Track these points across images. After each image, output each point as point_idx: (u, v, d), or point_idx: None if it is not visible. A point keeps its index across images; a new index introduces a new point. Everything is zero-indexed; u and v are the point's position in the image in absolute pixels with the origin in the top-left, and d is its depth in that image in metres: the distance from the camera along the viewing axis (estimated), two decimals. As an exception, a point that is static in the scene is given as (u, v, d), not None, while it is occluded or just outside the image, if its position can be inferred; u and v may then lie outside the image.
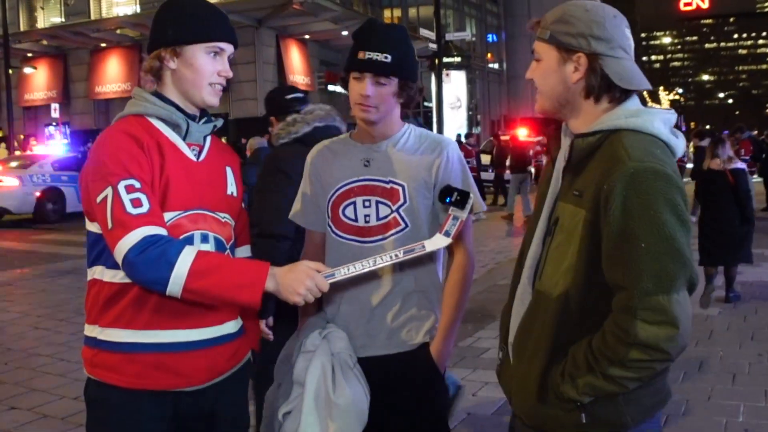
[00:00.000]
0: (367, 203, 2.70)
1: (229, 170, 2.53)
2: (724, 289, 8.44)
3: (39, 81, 37.10)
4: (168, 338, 2.32)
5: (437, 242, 2.45)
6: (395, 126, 2.75)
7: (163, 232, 2.20)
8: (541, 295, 2.09)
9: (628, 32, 2.08)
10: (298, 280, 2.22)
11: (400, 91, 2.65)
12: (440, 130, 27.08)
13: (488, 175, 23.07)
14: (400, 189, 2.68)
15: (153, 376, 2.32)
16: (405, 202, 2.68)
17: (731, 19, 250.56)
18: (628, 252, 1.88)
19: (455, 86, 33.92)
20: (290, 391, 2.68)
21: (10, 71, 30.18)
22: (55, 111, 32.38)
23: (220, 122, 2.53)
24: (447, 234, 2.44)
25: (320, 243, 2.85)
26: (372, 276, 2.65)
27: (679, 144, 2.05)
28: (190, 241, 2.32)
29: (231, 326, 2.48)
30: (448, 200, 2.46)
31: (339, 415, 2.56)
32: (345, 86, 2.72)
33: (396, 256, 2.41)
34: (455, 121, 31.82)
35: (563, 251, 2.03)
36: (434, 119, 32.42)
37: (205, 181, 2.42)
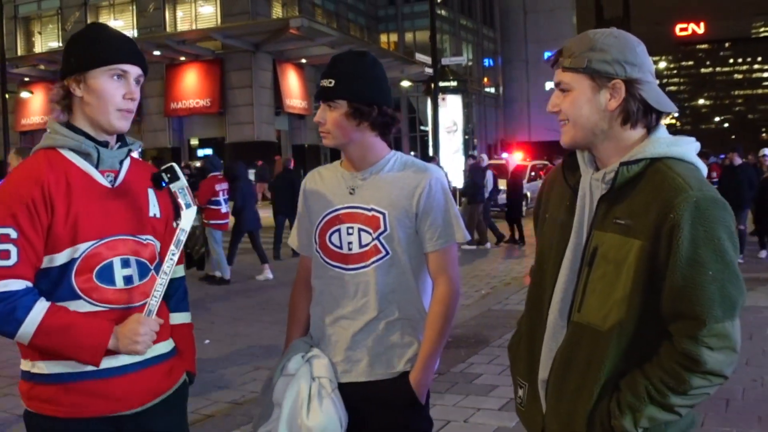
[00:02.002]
0: (350, 230, 2.71)
1: (151, 192, 2.54)
2: None
3: (36, 105, 37.25)
4: (101, 364, 2.34)
5: (188, 217, 2.45)
6: (378, 154, 2.77)
7: (20, 287, 2.25)
8: (584, 328, 2.05)
9: (650, 58, 2.10)
10: (133, 331, 2.32)
11: (353, 113, 2.66)
12: (436, 154, 27.10)
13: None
14: (381, 217, 2.69)
15: (90, 404, 2.35)
16: (385, 230, 2.69)
17: (726, 44, 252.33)
18: (696, 281, 1.89)
19: (451, 110, 33.97)
20: (270, 413, 2.71)
21: (7, 96, 30.22)
22: (51, 135, 32.39)
23: (136, 145, 2.55)
24: (188, 205, 2.44)
25: (311, 268, 2.87)
26: (356, 303, 2.69)
27: (705, 171, 2.08)
28: (109, 268, 2.37)
29: (162, 347, 2.51)
30: (164, 184, 2.45)
31: None
32: None
33: (174, 254, 2.42)
34: (451, 145, 31.85)
35: (610, 282, 1.99)
36: (430, 143, 32.49)
37: (123, 205, 2.44)
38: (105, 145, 2.43)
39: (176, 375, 2.56)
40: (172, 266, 2.41)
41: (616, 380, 2.00)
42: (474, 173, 17.26)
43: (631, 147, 2.05)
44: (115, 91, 2.38)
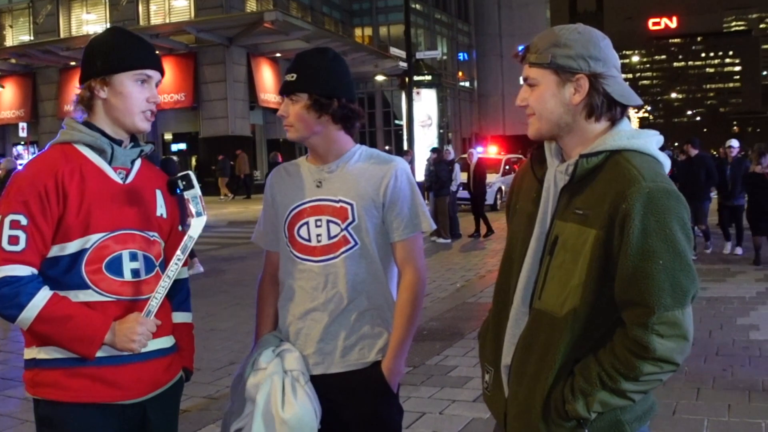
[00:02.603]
0: (318, 223, 2.75)
1: (159, 193, 2.64)
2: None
3: (7, 100, 36.89)
4: (105, 352, 2.41)
5: (197, 226, 2.54)
6: (343, 147, 2.82)
7: (27, 272, 2.33)
8: (543, 314, 2.10)
9: (615, 52, 2.14)
10: (131, 330, 2.39)
11: (313, 105, 2.71)
12: (411, 148, 27.12)
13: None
14: (349, 208, 2.73)
15: (96, 390, 2.42)
16: (354, 220, 2.73)
17: (699, 39, 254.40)
18: (646, 269, 1.93)
19: (426, 104, 34.00)
20: (243, 409, 2.72)
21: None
22: (23, 130, 32.05)
23: (148, 147, 2.66)
24: (199, 214, 2.54)
25: (277, 264, 2.90)
26: (326, 294, 2.73)
27: (667, 165, 2.12)
28: (118, 260, 2.46)
29: (164, 341, 2.59)
30: (179, 191, 2.55)
31: None
32: None
33: (180, 259, 2.50)
34: (426, 139, 31.83)
35: (568, 270, 2.05)
36: (405, 137, 32.52)
37: (133, 202, 2.53)
38: (119, 143, 2.54)
39: (174, 370, 2.64)
40: (176, 271, 2.50)
41: (571, 366, 2.05)
42: (437, 166, 17.27)
43: (594, 139, 2.10)
44: (139, 95, 2.51)
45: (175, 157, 24.27)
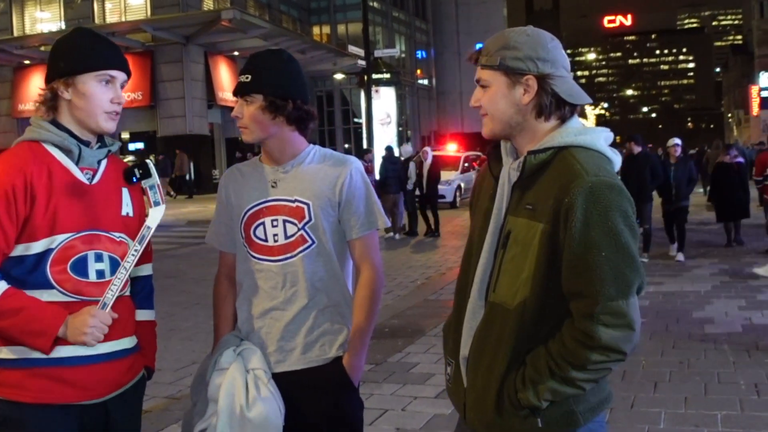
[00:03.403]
0: (275, 223, 2.78)
1: (125, 191, 2.62)
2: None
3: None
4: (68, 353, 2.40)
5: (155, 215, 2.56)
6: (297, 147, 2.84)
7: None
8: (497, 306, 2.15)
9: (564, 53, 2.20)
10: (82, 322, 2.36)
11: (268, 106, 2.72)
12: (371, 146, 27.14)
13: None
14: (305, 207, 2.77)
15: (57, 390, 2.40)
16: (310, 219, 2.76)
17: (653, 36, 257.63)
18: (589, 261, 1.98)
19: (385, 102, 34.08)
20: (206, 409, 2.72)
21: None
22: (-24, 129, 31.54)
23: (114, 146, 2.63)
24: (156, 203, 2.56)
25: (232, 264, 2.92)
26: (285, 293, 2.76)
27: (617, 160, 2.19)
28: (83, 261, 2.45)
29: (127, 342, 2.58)
30: (135, 180, 2.57)
31: (253, 430, 2.61)
32: None
33: (136, 250, 2.50)
34: (385, 137, 31.89)
35: (519, 263, 2.10)
36: (364, 135, 32.52)
37: (99, 202, 2.51)
38: (87, 144, 2.52)
39: (137, 369, 2.64)
40: (132, 262, 2.49)
41: (523, 356, 2.11)
42: (385, 164, 17.48)
43: (543, 137, 2.17)
44: (103, 96, 2.49)
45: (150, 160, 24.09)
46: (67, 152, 2.47)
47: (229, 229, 2.91)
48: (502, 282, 2.15)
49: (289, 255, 2.76)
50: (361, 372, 2.85)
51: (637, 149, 12.88)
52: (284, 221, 2.77)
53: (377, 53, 34.28)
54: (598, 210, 1.98)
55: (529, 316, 2.08)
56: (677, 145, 13.35)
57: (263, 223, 2.78)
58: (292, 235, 2.76)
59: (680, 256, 12.45)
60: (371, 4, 42.79)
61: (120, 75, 2.54)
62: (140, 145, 35.91)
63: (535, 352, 2.08)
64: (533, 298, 2.07)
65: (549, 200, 2.05)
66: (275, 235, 2.77)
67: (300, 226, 2.76)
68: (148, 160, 2.55)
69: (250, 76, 2.74)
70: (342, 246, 2.84)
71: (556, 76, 2.14)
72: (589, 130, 2.17)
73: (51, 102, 2.50)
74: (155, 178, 2.54)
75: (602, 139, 2.17)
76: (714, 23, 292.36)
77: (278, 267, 2.76)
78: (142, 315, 2.71)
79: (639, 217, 11.70)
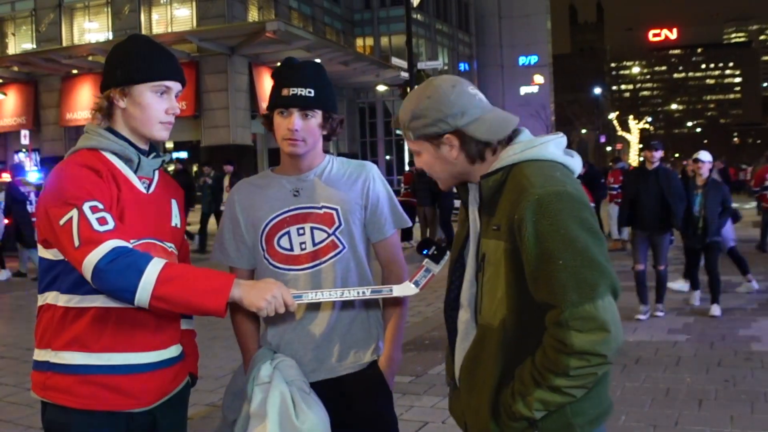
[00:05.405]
0: (301, 231, 2.80)
1: (174, 203, 2.65)
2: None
3: (9, 107, 36.87)
4: (120, 360, 2.42)
5: (405, 290, 2.55)
6: (319, 157, 2.88)
7: (130, 246, 2.28)
8: (484, 327, 2.20)
9: (471, 89, 2.22)
10: (265, 289, 2.32)
11: (324, 122, 2.78)
12: (411, 158, 27.16)
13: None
14: (334, 213, 2.80)
15: (106, 397, 2.41)
16: (340, 224, 2.80)
17: (699, 50, 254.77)
18: (548, 271, 2.00)
19: (427, 114, 34.08)
20: (247, 426, 2.68)
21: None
22: (25, 138, 32.02)
23: (168, 157, 2.65)
24: (416, 284, 2.54)
25: (245, 278, 2.87)
26: (315, 303, 2.72)
27: (576, 162, 2.23)
28: None
29: (173, 350, 2.60)
30: (425, 252, 2.53)
31: None
32: (268, 125, 2.84)
33: (363, 293, 2.50)
34: (427, 149, 31.91)
35: (494, 283, 2.15)
36: (406, 147, 32.54)
37: (154, 212, 2.53)
38: (144, 153, 2.54)
39: (182, 376, 2.66)
40: (357, 296, 2.52)
41: (513, 371, 2.13)
42: (416, 177, 17.81)
43: (491, 163, 2.21)
44: (158, 106, 2.49)
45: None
46: (126, 161, 2.48)
47: (242, 245, 2.90)
48: (484, 303, 2.19)
49: (318, 262, 2.78)
50: (395, 373, 2.91)
51: (656, 158, 9.12)
52: (312, 228, 2.78)
53: (420, 65, 34.31)
54: (548, 220, 2.00)
55: (511, 334, 2.11)
56: (702, 161, 9.25)
57: (288, 233, 2.79)
58: (321, 242, 2.78)
59: (716, 310, 9.11)
60: (415, 16, 42.92)
61: (175, 86, 2.54)
62: (184, 155, 36.30)
63: (522, 365, 2.11)
64: (511, 315, 2.11)
65: (505, 218, 2.09)
66: (302, 243, 2.78)
67: (330, 231, 2.78)
68: (449, 250, 2.48)
69: (313, 91, 2.73)
70: (368, 249, 2.90)
71: (470, 123, 2.18)
72: (536, 140, 2.20)
73: (107, 110, 2.50)
74: (437, 268, 2.52)
75: (551, 146, 2.19)
76: (762, 37, 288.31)
77: (306, 275, 2.77)
78: (184, 324, 2.73)
79: (654, 257, 8.99)
